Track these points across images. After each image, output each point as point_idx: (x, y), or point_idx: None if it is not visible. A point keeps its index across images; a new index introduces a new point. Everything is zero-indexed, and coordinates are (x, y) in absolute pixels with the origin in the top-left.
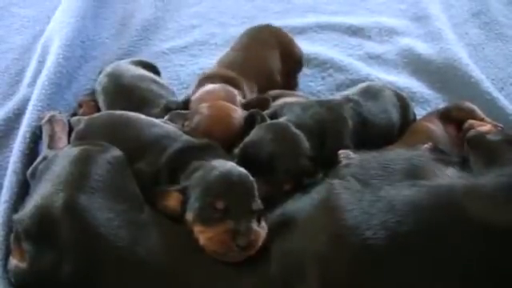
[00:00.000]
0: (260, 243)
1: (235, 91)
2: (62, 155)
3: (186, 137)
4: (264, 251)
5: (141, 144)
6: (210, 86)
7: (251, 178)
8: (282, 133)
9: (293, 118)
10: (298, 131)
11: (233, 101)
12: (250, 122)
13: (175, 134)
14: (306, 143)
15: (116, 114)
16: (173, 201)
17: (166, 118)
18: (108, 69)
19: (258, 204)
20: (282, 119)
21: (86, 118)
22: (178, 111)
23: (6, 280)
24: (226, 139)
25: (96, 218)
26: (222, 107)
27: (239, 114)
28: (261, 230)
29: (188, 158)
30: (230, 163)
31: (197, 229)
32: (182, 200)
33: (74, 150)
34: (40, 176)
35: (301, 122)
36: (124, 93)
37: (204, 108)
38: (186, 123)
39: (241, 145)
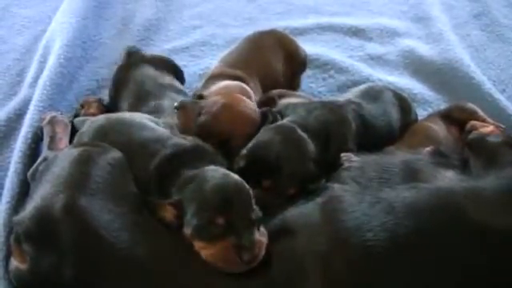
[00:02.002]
0: (263, 253)
1: (249, 89)
2: (62, 156)
3: (174, 141)
4: (266, 254)
5: (130, 149)
6: (225, 82)
7: (246, 185)
8: (289, 136)
9: (297, 119)
10: (304, 134)
11: (248, 98)
12: (262, 120)
13: (163, 137)
14: (311, 146)
15: (112, 118)
16: (168, 213)
17: (175, 104)
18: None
19: (256, 212)
20: (286, 120)
21: (89, 120)
22: (193, 100)
23: (7, 281)
24: (245, 130)
25: (96, 220)
26: (240, 98)
27: (256, 106)
28: (262, 238)
29: (177, 165)
30: (222, 170)
31: (197, 245)
32: (177, 214)
33: (74, 151)
34: (40, 177)
35: (305, 124)
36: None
37: (221, 99)
38: (204, 111)
39: (248, 147)
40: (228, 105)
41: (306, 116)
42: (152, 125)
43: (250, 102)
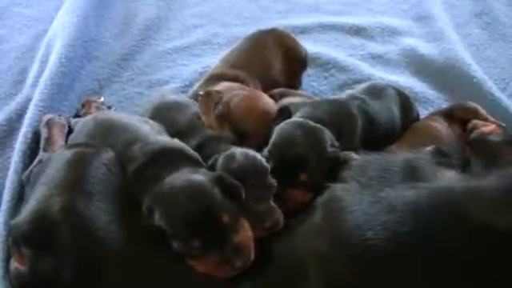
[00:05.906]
0: (253, 246)
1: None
2: (56, 158)
3: (147, 148)
4: (266, 253)
5: (115, 151)
6: (226, 83)
7: (208, 186)
8: (306, 127)
9: (306, 115)
10: (318, 125)
11: None
12: (280, 115)
13: (142, 142)
14: (328, 132)
15: (99, 119)
16: None
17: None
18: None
19: (227, 209)
20: (296, 116)
21: (81, 120)
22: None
23: (8, 280)
24: (261, 123)
25: (94, 221)
26: (259, 93)
27: (273, 103)
28: (245, 232)
29: (150, 173)
30: (181, 181)
31: (188, 261)
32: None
33: (66, 153)
34: (34, 180)
35: (316, 120)
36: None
37: (242, 91)
38: (223, 101)
39: (269, 147)
40: (248, 97)
41: (315, 112)
42: (138, 127)
43: (268, 98)
